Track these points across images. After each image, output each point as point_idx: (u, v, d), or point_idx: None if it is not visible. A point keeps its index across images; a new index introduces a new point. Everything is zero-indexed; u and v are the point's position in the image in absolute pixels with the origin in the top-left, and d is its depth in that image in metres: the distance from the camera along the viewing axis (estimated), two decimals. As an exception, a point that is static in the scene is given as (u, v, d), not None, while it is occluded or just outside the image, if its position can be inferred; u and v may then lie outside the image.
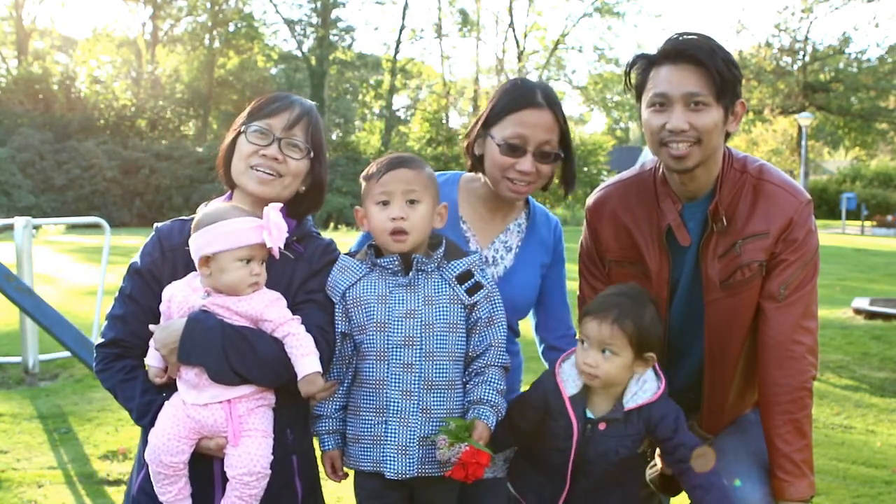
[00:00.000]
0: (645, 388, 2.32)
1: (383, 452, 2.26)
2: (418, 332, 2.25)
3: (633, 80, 2.45)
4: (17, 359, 6.89)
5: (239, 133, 2.35)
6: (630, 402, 2.31)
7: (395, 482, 2.27)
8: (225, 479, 2.19)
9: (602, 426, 2.32)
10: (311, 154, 2.36)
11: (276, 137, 2.30)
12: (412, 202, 2.29)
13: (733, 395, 2.57)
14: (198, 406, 2.16)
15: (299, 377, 2.16)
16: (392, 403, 2.26)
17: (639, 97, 2.44)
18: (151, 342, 2.22)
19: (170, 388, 2.24)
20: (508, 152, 2.50)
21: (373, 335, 2.28)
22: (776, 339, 2.39)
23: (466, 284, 2.30)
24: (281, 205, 2.23)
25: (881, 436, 5.40)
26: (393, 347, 2.26)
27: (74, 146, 35.61)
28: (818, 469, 4.30)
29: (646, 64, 2.39)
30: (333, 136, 47.75)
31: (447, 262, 2.32)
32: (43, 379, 6.77)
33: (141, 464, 2.28)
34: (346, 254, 2.41)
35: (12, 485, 4.35)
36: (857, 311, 9.66)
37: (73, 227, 24.94)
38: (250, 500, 2.16)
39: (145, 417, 2.24)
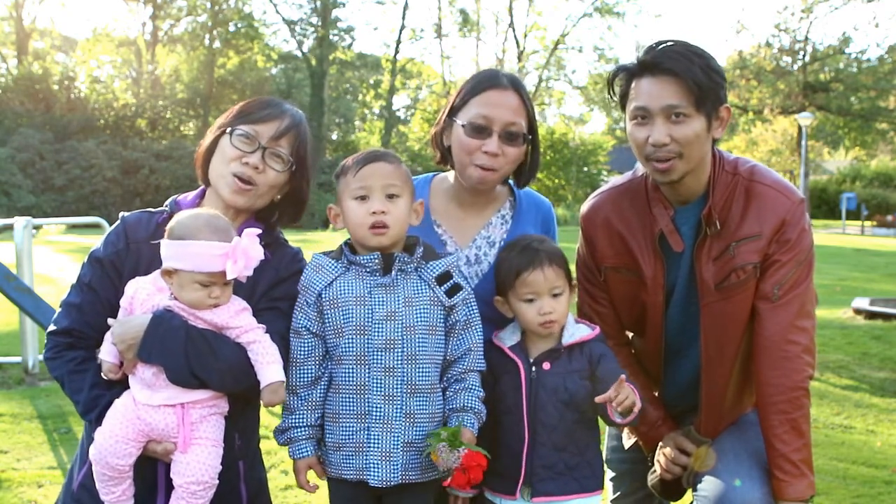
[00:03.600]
0: (579, 328, 2.40)
1: (366, 460, 2.17)
2: (400, 334, 2.18)
3: (616, 91, 2.43)
4: (17, 359, 6.88)
5: (223, 132, 2.29)
6: (568, 339, 2.36)
7: (371, 489, 2.19)
8: (168, 484, 2.13)
9: (546, 365, 2.34)
10: (293, 167, 2.32)
11: (262, 146, 2.25)
12: (391, 196, 2.22)
13: (731, 397, 2.57)
14: (149, 407, 2.09)
15: (262, 385, 2.10)
16: (374, 409, 2.18)
17: (623, 107, 2.43)
18: (108, 336, 2.14)
19: (120, 385, 2.17)
20: (473, 133, 2.44)
21: (351, 338, 2.19)
22: (771, 339, 2.39)
23: (446, 286, 2.25)
24: (259, 231, 2.14)
25: (881, 436, 5.40)
26: (374, 351, 2.18)
27: (74, 146, 35.62)
28: (818, 469, 4.31)
29: (627, 76, 2.39)
30: (333, 136, 47.74)
31: (425, 263, 2.26)
32: (43, 379, 6.74)
33: (84, 459, 2.22)
34: (319, 252, 2.33)
35: (12, 485, 4.35)
36: (857, 311, 9.65)
37: (73, 227, 24.91)
38: None
39: (92, 412, 2.17)
